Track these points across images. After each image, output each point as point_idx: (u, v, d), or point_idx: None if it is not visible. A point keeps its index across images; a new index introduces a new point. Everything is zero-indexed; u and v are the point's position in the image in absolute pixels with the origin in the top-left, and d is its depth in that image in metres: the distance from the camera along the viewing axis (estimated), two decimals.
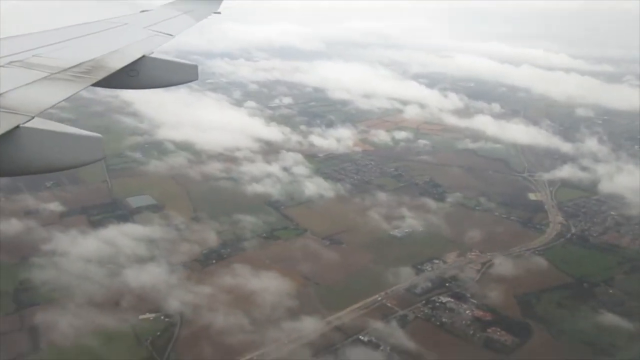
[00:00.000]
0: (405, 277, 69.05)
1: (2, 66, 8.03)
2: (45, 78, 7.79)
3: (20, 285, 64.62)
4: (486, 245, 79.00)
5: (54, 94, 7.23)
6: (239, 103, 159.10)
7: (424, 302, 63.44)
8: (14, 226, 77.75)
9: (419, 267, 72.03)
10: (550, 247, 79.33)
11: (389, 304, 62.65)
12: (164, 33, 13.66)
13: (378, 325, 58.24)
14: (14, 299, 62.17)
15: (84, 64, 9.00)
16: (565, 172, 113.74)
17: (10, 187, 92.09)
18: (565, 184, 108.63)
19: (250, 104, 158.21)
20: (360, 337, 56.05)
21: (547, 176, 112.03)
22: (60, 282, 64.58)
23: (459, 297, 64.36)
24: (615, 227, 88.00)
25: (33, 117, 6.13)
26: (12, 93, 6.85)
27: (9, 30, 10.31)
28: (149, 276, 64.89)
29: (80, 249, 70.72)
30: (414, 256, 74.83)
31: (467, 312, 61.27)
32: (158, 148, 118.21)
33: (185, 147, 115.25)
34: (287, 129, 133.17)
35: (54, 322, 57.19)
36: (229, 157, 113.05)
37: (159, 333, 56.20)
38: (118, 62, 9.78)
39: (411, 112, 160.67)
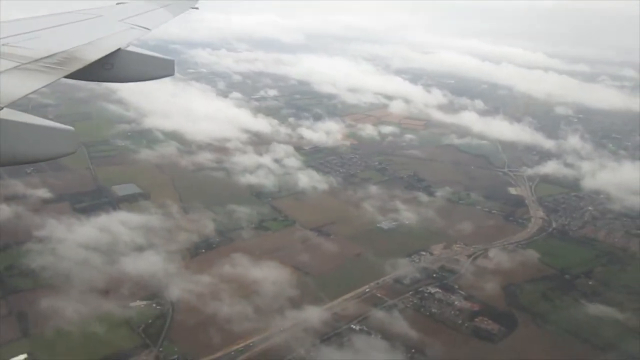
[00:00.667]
0: (393, 268, 70.11)
1: None
2: (15, 68, 7.48)
3: (6, 271, 63.49)
4: (471, 238, 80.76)
5: (25, 85, 6.95)
6: (224, 94, 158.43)
7: (412, 292, 64.64)
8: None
9: (406, 258, 73.18)
10: (533, 241, 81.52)
11: (378, 294, 63.67)
12: (140, 26, 13.23)
13: (368, 314, 59.18)
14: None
15: (56, 54, 8.68)
16: (545, 168, 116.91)
17: None
18: (544, 179, 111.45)
19: (236, 95, 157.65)
20: (352, 326, 56.85)
21: (528, 172, 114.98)
22: (47, 268, 63.75)
23: (447, 288, 65.78)
24: (593, 222, 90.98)
25: (2, 108, 5.93)
26: None
27: None
28: (139, 264, 64.52)
29: (67, 235, 69.86)
30: (401, 248, 76.02)
31: (456, 302, 62.71)
32: (146, 137, 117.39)
33: (173, 136, 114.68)
34: (275, 121, 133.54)
35: (43, 307, 56.57)
36: (217, 148, 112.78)
37: (150, 320, 56.07)
38: (92, 54, 9.41)
39: (396, 107, 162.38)
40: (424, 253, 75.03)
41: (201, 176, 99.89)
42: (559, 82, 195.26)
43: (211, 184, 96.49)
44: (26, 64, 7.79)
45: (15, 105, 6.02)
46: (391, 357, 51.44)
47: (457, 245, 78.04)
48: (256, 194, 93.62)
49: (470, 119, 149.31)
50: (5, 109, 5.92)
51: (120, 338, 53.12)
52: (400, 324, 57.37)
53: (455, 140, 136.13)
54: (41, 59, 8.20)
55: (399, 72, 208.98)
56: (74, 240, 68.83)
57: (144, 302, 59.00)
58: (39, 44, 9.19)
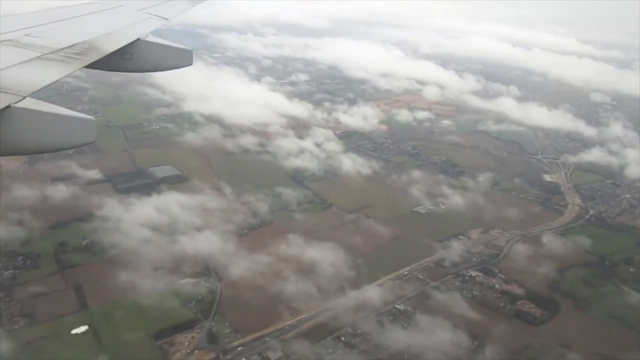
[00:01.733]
0: (433, 251, 70.98)
1: None
2: (37, 58, 7.65)
3: (60, 247, 65.92)
4: (508, 223, 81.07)
5: (47, 75, 7.11)
6: (256, 78, 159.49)
7: (453, 275, 65.50)
8: (44, 192, 78.84)
9: (445, 242, 73.92)
10: (570, 228, 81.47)
11: (420, 276, 64.67)
12: (159, 16, 13.25)
13: (411, 295, 60.26)
14: (55, 260, 63.56)
15: (77, 45, 8.80)
16: (580, 155, 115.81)
17: (33, 155, 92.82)
18: (579, 167, 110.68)
19: (268, 79, 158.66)
20: (395, 305, 57.96)
21: (570, 159, 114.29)
22: (100, 243, 66.21)
23: (487, 272, 66.47)
24: (630, 210, 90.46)
25: (24, 97, 6.07)
26: (4, 72, 6.78)
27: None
28: (188, 241, 66.56)
29: (117, 213, 72.15)
30: (439, 232, 76.73)
31: (496, 286, 63.41)
32: (186, 120, 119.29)
33: (212, 119, 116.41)
34: (310, 106, 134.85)
35: (98, 282, 58.93)
36: (256, 131, 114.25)
37: (200, 297, 57.84)
38: (112, 45, 9.58)
39: (429, 93, 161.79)
40: (462, 237, 75.62)
41: (238, 159, 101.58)
42: (594, 68, 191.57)
43: (247, 166, 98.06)
44: (47, 54, 7.97)
45: (40, 94, 6.32)
46: (436, 335, 52.42)
47: (495, 231, 78.42)
48: (292, 177, 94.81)
49: (505, 105, 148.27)
50: (27, 99, 6.10)
51: (173, 312, 54.95)
52: (443, 305, 58.39)
53: (492, 127, 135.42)
54: (62, 49, 8.39)
55: (427, 58, 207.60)
56: (125, 218, 71.14)
57: (194, 279, 60.80)
58: (60, 34, 9.42)
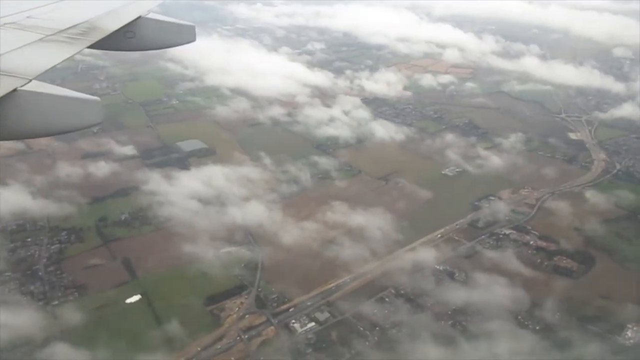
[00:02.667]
0: (465, 212, 71.83)
1: None
2: (40, 40, 7.61)
3: (100, 221, 67.68)
4: (536, 182, 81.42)
5: (50, 57, 7.10)
6: (273, 48, 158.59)
7: (488, 234, 66.41)
8: (78, 169, 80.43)
9: (476, 203, 74.66)
10: (598, 183, 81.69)
11: (455, 237, 65.69)
12: None
13: (449, 255, 61.46)
14: (97, 233, 65.40)
15: (79, 25, 8.75)
16: (604, 112, 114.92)
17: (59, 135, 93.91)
18: (602, 123, 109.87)
19: (285, 49, 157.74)
20: (436, 266, 59.19)
21: (597, 115, 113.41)
22: (140, 217, 67.93)
23: (521, 230, 67.31)
24: None
25: (30, 80, 6.09)
26: (8, 56, 6.77)
27: None
28: (228, 212, 68.11)
29: (156, 187, 73.71)
30: (469, 194, 77.41)
31: (531, 242, 64.29)
32: (212, 93, 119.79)
33: (237, 92, 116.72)
34: (331, 74, 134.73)
35: (143, 253, 60.74)
36: (282, 102, 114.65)
37: (243, 264, 59.42)
38: (114, 23, 9.49)
39: (449, 55, 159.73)
40: (492, 198, 76.23)
41: (262, 130, 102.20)
42: (615, 23, 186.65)
43: (272, 137, 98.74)
44: (50, 35, 7.93)
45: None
46: (479, 292, 53.75)
47: (524, 190, 78.88)
48: (318, 146, 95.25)
49: (527, 65, 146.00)
50: (33, 81, 6.13)
51: (220, 279, 56.68)
52: (480, 263, 59.52)
53: (514, 87, 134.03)
54: (64, 29, 8.33)
55: (441, 20, 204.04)
56: (166, 190, 72.89)
57: (238, 247, 62.39)
58: (62, 15, 9.35)
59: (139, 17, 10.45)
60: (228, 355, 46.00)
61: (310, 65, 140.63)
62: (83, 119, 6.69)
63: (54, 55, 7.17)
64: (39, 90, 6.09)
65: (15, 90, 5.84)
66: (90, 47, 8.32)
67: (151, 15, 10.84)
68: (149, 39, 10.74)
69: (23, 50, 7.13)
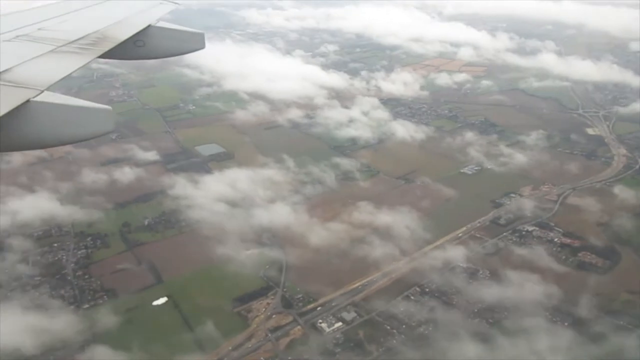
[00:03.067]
0: (486, 210, 71.68)
1: (8, 40, 8.02)
2: (51, 51, 7.72)
3: (123, 227, 68.53)
4: (557, 178, 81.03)
5: (62, 67, 7.18)
6: (287, 52, 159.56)
7: (510, 231, 66.21)
8: (99, 175, 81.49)
9: (497, 200, 74.46)
10: (621, 178, 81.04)
11: (477, 235, 65.56)
12: (169, 1, 13.32)
13: (472, 253, 61.36)
14: (121, 238, 66.22)
15: (89, 35, 8.86)
16: (622, 106, 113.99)
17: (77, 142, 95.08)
18: (620, 118, 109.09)
19: (299, 52, 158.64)
20: (459, 264, 59.14)
21: (602, 112, 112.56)
22: (163, 221, 68.68)
23: (544, 226, 67.00)
24: None
25: (42, 91, 6.17)
26: (20, 67, 6.88)
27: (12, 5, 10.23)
28: (245, 214, 68.72)
29: (177, 191, 74.46)
30: (490, 191, 77.25)
31: (555, 239, 63.97)
32: (231, 98, 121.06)
33: (256, 96, 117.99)
34: (346, 75, 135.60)
35: (168, 257, 61.42)
36: (301, 104, 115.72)
37: (268, 266, 59.81)
38: (124, 33, 9.57)
39: (464, 54, 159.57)
40: (513, 195, 75.97)
41: (277, 132, 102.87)
42: (632, 16, 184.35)
43: (288, 139, 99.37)
44: (61, 46, 8.03)
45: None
46: (505, 289, 53.63)
47: (545, 187, 78.54)
48: (332, 147, 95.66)
49: (544, 61, 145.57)
50: (45, 92, 6.21)
51: (245, 281, 57.13)
52: (503, 260, 59.37)
53: (530, 84, 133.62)
54: (75, 40, 8.44)
55: (452, 19, 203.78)
56: (191, 195, 73.59)
57: (258, 250, 62.77)
58: (72, 26, 9.44)
59: (149, 26, 10.51)
60: (257, 355, 46.37)
61: (325, 67, 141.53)
62: (95, 128, 6.76)
63: (66, 66, 7.28)
64: (51, 100, 6.18)
65: (28, 101, 5.91)
66: (101, 56, 8.42)
67: (161, 24, 10.89)
68: (158, 47, 10.80)
69: (35, 61, 7.23)
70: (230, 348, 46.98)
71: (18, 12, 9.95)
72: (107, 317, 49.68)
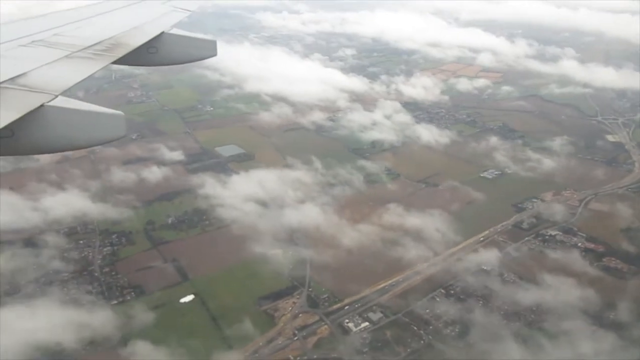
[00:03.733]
0: (509, 214, 71.71)
1: (24, 46, 8.15)
2: (66, 57, 7.85)
3: (148, 225, 69.27)
4: (578, 184, 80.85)
5: (76, 73, 7.28)
6: (305, 55, 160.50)
7: (533, 235, 66.21)
8: (123, 175, 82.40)
9: (519, 205, 74.44)
10: None
11: (500, 239, 65.62)
12: (182, 8, 13.46)
13: (495, 256, 61.40)
14: (146, 236, 66.93)
15: (104, 41, 9.03)
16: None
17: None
18: None
19: (317, 55, 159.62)
20: (483, 267, 59.23)
21: (621, 119, 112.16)
22: (187, 220, 69.38)
23: (567, 231, 66.93)
24: None
25: (57, 96, 6.27)
26: (35, 72, 6.98)
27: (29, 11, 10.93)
28: (268, 214, 69.38)
29: (199, 191, 75.27)
30: (511, 196, 77.21)
31: (579, 244, 63.89)
32: (253, 100, 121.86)
33: (277, 98, 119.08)
34: (365, 79, 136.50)
35: (193, 255, 62.03)
36: (322, 107, 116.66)
37: (292, 265, 60.23)
38: (138, 39, 9.70)
39: (483, 59, 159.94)
40: (535, 200, 75.93)
41: (295, 135, 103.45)
42: None
43: (306, 141, 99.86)
44: (76, 52, 8.17)
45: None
46: (533, 292, 53.69)
47: (567, 192, 78.39)
48: (351, 150, 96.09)
49: (563, 67, 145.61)
50: (59, 97, 6.32)
51: (270, 280, 57.61)
52: (526, 264, 59.39)
53: (549, 90, 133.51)
54: (90, 46, 8.59)
55: (469, 25, 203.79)
56: (208, 193, 74.25)
57: (281, 250, 63.20)
58: (87, 32, 9.59)
59: (162, 33, 10.62)
60: (285, 353, 46.75)
61: (344, 70, 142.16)
62: (107, 133, 6.88)
63: (79, 71, 7.37)
64: (64, 105, 6.31)
65: (42, 105, 6.02)
66: (114, 62, 8.55)
67: (174, 31, 11.01)
68: (171, 54, 10.90)
69: (49, 66, 7.35)
70: (259, 345, 47.39)
71: (34, 17, 10.13)
72: (137, 313, 50.27)
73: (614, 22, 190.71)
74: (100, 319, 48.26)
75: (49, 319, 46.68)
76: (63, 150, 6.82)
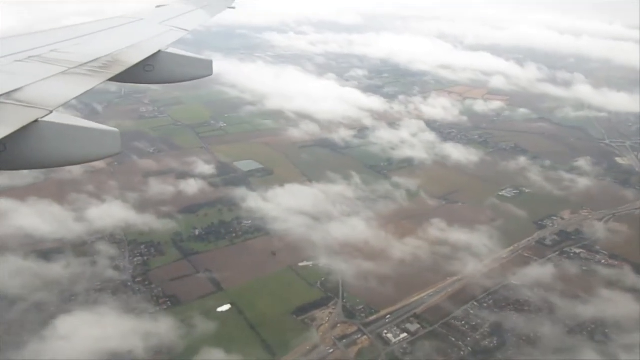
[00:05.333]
0: (530, 231, 73.13)
1: (21, 61, 8.14)
2: (63, 73, 7.84)
3: (175, 236, 69.85)
4: (595, 203, 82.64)
5: (72, 89, 7.26)
6: (319, 74, 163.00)
7: (557, 252, 67.54)
8: (145, 187, 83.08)
9: (539, 222, 75.90)
10: None
11: (525, 254, 66.89)
12: (179, 28, 13.57)
13: (524, 271, 62.59)
14: (175, 247, 67.45)
15: (100, 58, 9.04)
16: None
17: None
18: None
19: (331, 75, 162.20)
20: (512, 281, 60.33)
21: (629, 142, 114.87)
22: (212, 231, 70.05)
23: (589, 249, 68.39)
24: None
25: (51, 112, 6.19)
26: (31, 87, 6.93)
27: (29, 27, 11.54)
28: (295, 228, 70.39)
29: (222, 204, 76.11)
30: (531, 214, 78.73)
31: (602, 261, 65.25)
32: (276, 116, 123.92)
33: (301, 115, 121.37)
34: (382, 99, 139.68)
35: (224, 266, 62.62)
36: (343, 124, 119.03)
37: (323, 278, 60.98)
38: (134, 57, 9.75)
39: (497, 82, 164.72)
40: (555, 218, 77.45)
41: (311, 151, 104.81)
42: None
43: (326, 158, 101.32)
44: (72, 68, 8.17)
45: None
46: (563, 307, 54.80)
47: (584, 211, 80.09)
48: (368, 166, 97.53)
49: (572, 92, 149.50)
50: (54, 113, 6.24)
51: (303, 291, 58.33)
52: (555, 280, 60.57)
53: (562, 114, 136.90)
54: (86, 63, 8.59)
55: (473, 49, 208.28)
56: (232, 206, 75.30)
57: (310, 263, 64.00)
58: (85, 48, 9.64)
59: (159, 51, 10.69)
60: None
61: (360, 90, 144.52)
62: (102, 150, 6.85)
63: (75, 88, 7.35)
64: (59, 121, 6.26)
65: (36, 121, 5.97)
66: (111, 79, 8.53)
67: (170, 50, 11.04)
68: (167, 73, 10.91)
69: (45, 82, 7.31)
70: (302, 353, 47.88)
71: (31, 33, 10.16)
72: (174, 322, 50.65)
73: (620, 50, 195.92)
74: (160, 327, 48.73)
75: (112, 327, 47.36)
76: (56, 166, 6.70)
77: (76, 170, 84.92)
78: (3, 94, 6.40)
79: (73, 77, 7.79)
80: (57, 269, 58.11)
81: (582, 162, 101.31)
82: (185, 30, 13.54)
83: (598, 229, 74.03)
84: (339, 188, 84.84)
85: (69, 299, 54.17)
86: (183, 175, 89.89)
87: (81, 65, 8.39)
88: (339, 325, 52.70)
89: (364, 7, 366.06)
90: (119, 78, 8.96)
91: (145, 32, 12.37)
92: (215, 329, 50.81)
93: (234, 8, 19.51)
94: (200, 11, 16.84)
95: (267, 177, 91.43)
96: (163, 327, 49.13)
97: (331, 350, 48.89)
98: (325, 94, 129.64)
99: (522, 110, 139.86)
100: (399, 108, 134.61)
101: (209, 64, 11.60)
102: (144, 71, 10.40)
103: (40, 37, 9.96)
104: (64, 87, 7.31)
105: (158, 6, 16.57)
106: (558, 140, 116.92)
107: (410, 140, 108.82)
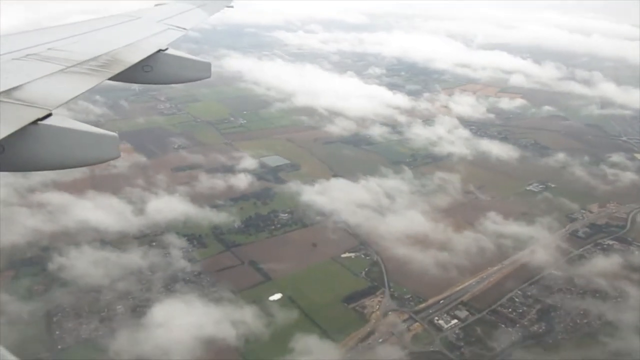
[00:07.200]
0: (563, 223, 74.80)
1: (19, 59, 8.03)
2: (61, 71, 7.73)
3: (215, 228, 71.13)
4: (621, 197, 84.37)
5: (71, 88, 7.18)
6: (339, 72, 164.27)
7: (592, 244, 69.22)
8: (177, 180, 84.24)
9: (569, 216, 77.58)
10: None
11: (562, 246, 68.54)
12: (177, 27, 13.56)
13: (562, 262, 64.27)
14: (216, 239, 68.77)
15: (99, 57, 8.94)
16: None
17: (143, 150, 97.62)
18: None
19: (351, 73, 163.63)
20: (552, 271, 61.99)
21: None
22: (251, 224, 71.45)
23: (622, 241, 70.07)
24: None
25: (50, 112, 6.15)
26: (30, 86, 6.85)
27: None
28: (332, 219, 72.11)
29: (256, 197, 77.72)
30: (559, 207, 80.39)
31: (636, 252, 66.94)
32: (314, 113, 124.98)
33: (333, 112, 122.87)
34: (407, 97, 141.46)
35: (269, 257, 64.00)
36: (375, 121, 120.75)
37: (367, 268, 62.50)
38: (133, 57, 9.71)
39: (516, 80, 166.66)
40: (583, 211, 79.13)
41: (335, 147, 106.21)
42: None
43: (349, 153, 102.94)
44: (71, 67, 8.06)
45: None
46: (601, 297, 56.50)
47: (611, 204, 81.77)
48: (393, 162, 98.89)
49: (604, 90, 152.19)
50: (53, 116, 6.17)
51: (348, 281, 59.89)
52: (595, 271, 62.23)
53: (575, 111, 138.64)
54: (85, 61, 8.50)
55: (482, 48, 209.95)
56: (266, 198, 78.08)
57: (353, 254, 65.52)
58: (83, 47, 9.52)
59: (158, 52, 10.68)
60: (387, 346, 48.76)
61: (389, 88, 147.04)
62: (100, 154, 6.79)
63: (74, 87, 7.27)
64: (58, 124, 6.19)
65: (35, 122, 5.93)
66: (110, 79, 8.48)
67: (169, 51, 11.02)
68: (165, 74, 10.89)
69: (44, 81, 7.23)
70: (359, 338, 49.41)
71: (29, 31, 10.07)
72: (227, 311, 52.11)
73: (632, 48, 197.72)
74: (245, 315, 50.89)
75: (202, 315, 49.89)
76: (53, 169, 6.64)
77: (104, 166, 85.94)
78: (2, 92, 6.33)
79: (72, 76, 7.73)
80: (134, 259, 59.82)
81: (600, 157, 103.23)
82: (184, 29, 13.57)
83: (627, 222, 75.66)
84: (376, 183, 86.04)
85: (149, 288, 56.05)
86: (213, 170, 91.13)
87: (80, 63, 8.30)
88: (390, 312, 54.19)
89: (365, 7, 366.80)
90: (118, 77, 8.97)
91: (143, 31, 12.28)
92: (295, 317, 52.59)
93: (231, 7, 19.60)
94: (198, 10, 16.88)
95: (295, 172, 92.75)
96: (248, 315, 51.01)
97: (386, 337, 50.36)
98: (351, 92, 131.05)
99: (547, 108, 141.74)
100: (425, 105, 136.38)
101: (207, 66, 11.65)
102: (143, 71, 10.40)
103: (37, 35, 9.84)
104: (63, 86, 7.24)
105: (157, 5, 16.64)
106: (575, 137, 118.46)
107: (447, 137, 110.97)
